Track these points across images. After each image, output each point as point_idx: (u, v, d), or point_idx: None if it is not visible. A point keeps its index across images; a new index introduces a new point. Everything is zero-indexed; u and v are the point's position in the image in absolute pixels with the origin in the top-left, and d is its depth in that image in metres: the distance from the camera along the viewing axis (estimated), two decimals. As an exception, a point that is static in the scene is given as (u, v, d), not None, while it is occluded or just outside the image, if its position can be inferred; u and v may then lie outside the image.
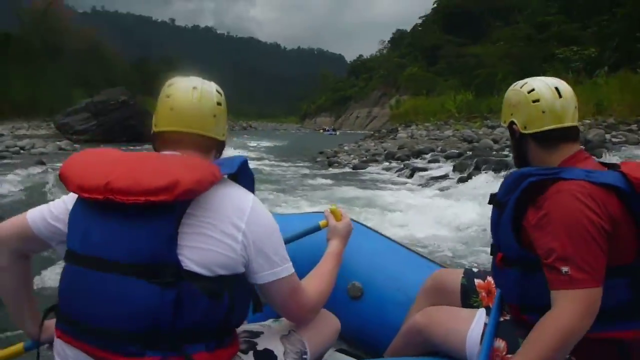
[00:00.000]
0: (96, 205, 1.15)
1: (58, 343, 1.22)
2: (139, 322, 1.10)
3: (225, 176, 1.25)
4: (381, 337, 1.90)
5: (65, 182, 1.19)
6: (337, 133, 57.71)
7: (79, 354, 1.16)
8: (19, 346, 1.46)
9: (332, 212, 1.67)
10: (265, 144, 31.04)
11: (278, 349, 1.38)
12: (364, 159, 16.04)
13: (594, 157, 1.54)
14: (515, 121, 1.53)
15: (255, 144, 30.28)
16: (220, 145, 1.38)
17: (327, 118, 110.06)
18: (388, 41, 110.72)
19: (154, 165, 1.16)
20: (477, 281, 1.78)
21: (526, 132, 1.50)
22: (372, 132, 36.13)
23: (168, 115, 1.30)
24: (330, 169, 15.08)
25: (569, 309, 1.24)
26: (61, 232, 1.27)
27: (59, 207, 1.31)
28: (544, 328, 1.27)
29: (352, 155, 17.89)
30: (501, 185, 1.50)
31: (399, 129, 28.74)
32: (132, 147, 21.95)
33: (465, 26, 48.27)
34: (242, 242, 1.17)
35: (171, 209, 1.12)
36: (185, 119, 1.29)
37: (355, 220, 1.97)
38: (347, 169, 14.54)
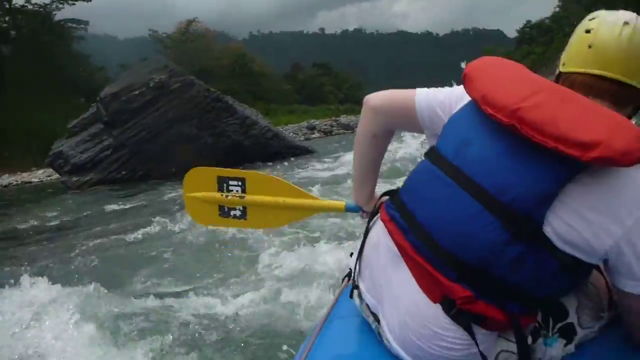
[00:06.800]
0: (490, 123, 1.06)
1: (379, 225, 1.22)
2: (471, 257, 1.02)
3: None
4: None
5: (468, 85, 1.12)
6: None
7: (390, 245, 1.15)
8: (340, 204, 1.62)
9: None
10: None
11: (570, 302, 1.15)
12: None
13: None
14: None
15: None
16: (638, 100, 1.11)
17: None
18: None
19: (576, 110, 0.98)
20: None
21: None
22: None
23: (584, 54, 1.10)
24: None
25: None
26: (440, 124, 1.22)
27: (448, 100, 1.24)
28: None
29: None
30: None
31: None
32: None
33: None
34: (616, 241, 0.97)
35: (567, 165, 0.96)
36: (606, 61, 1.07)
37: None
38: None
